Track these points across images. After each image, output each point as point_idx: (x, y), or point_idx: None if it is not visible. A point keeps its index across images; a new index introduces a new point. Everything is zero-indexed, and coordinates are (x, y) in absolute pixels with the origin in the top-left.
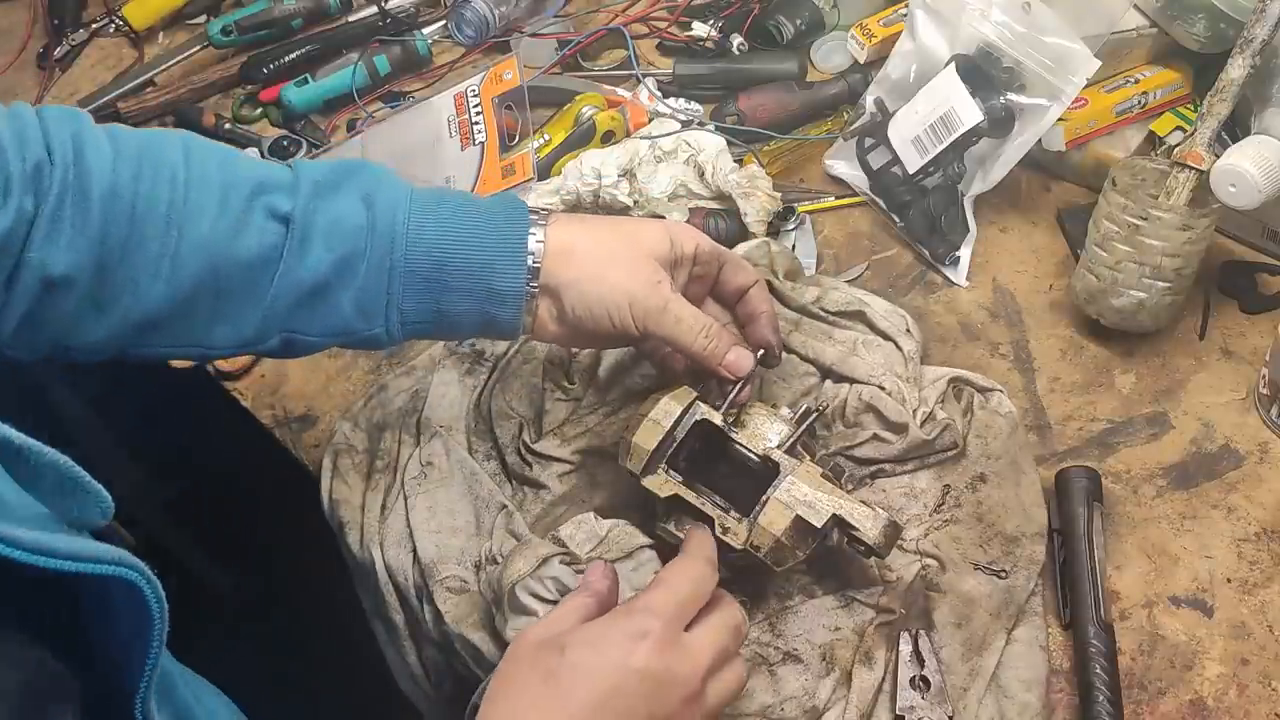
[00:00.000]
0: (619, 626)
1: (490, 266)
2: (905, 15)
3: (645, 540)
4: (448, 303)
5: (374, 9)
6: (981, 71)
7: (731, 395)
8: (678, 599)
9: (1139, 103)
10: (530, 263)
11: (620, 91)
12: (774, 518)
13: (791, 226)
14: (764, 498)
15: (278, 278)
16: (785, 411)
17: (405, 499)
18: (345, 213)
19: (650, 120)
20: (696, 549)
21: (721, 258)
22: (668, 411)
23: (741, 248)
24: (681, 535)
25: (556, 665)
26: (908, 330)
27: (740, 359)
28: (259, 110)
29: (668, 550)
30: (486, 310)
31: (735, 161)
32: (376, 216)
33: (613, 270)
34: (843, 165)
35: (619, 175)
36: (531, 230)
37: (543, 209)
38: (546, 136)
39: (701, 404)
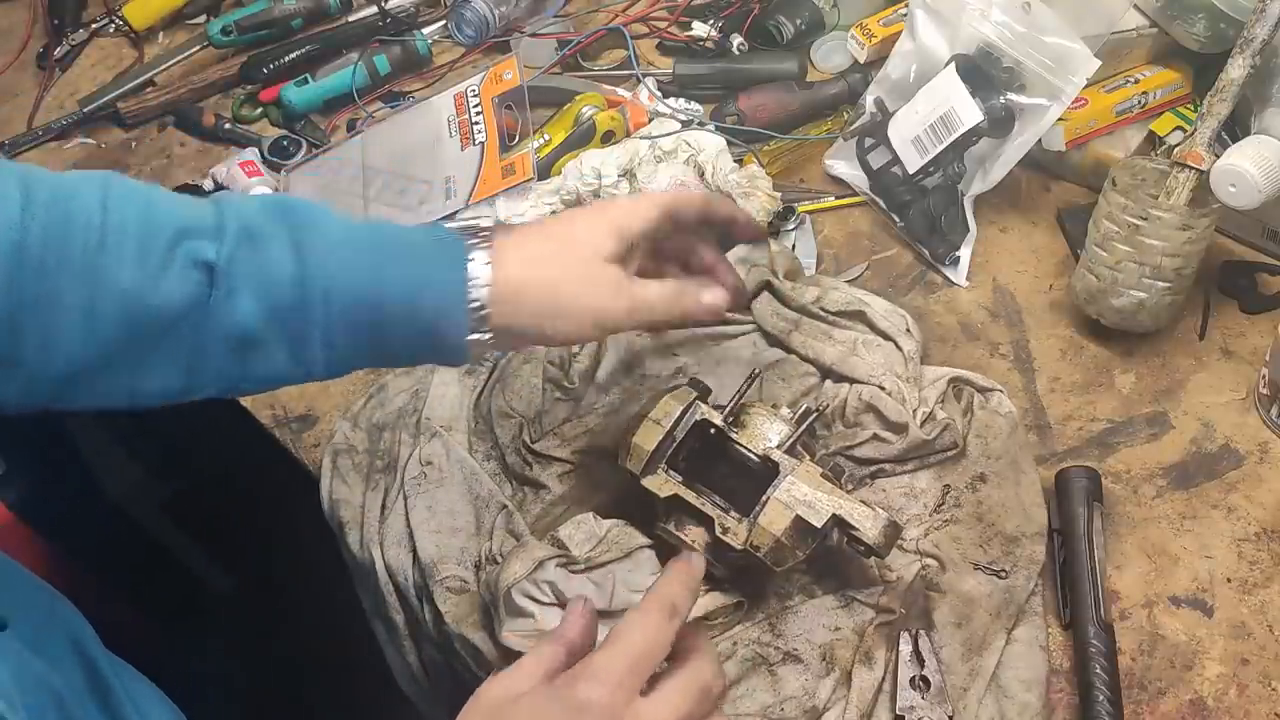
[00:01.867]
0: (560, 698)
1: (433, 317)
2: (905, 15)
3: (644, 540)
4: (390, 350)
5: (374, 9)
6: (981, 71)
7: (735, 398)
8: (629, 660)
9: (1139, 103)
10: (477, 310)
11: (620, 91)
12: (774, 518)
13: (791, 226)
14: (764, 498)
15: (205, 329)
16: (785, 411)
17: (405, 499)
18: (274, 260)
19: (650, 120)
20: (660, 592)
21: (669, 209)
22: (668, 411)
23: (741, 248)
24: (682, 535)
25: None
26: (908, 330)
27: (714, 299)
28: (259, 110)
29: (668, 550)
30: (434, 354)
31: (735, 161)
32: (307, 266)
33: (568, 296)
34: (843, 165)
35: (619, 175)
36: (472, 277)
37: (483, 232)
38: (546, 136)
39: (701, 404)
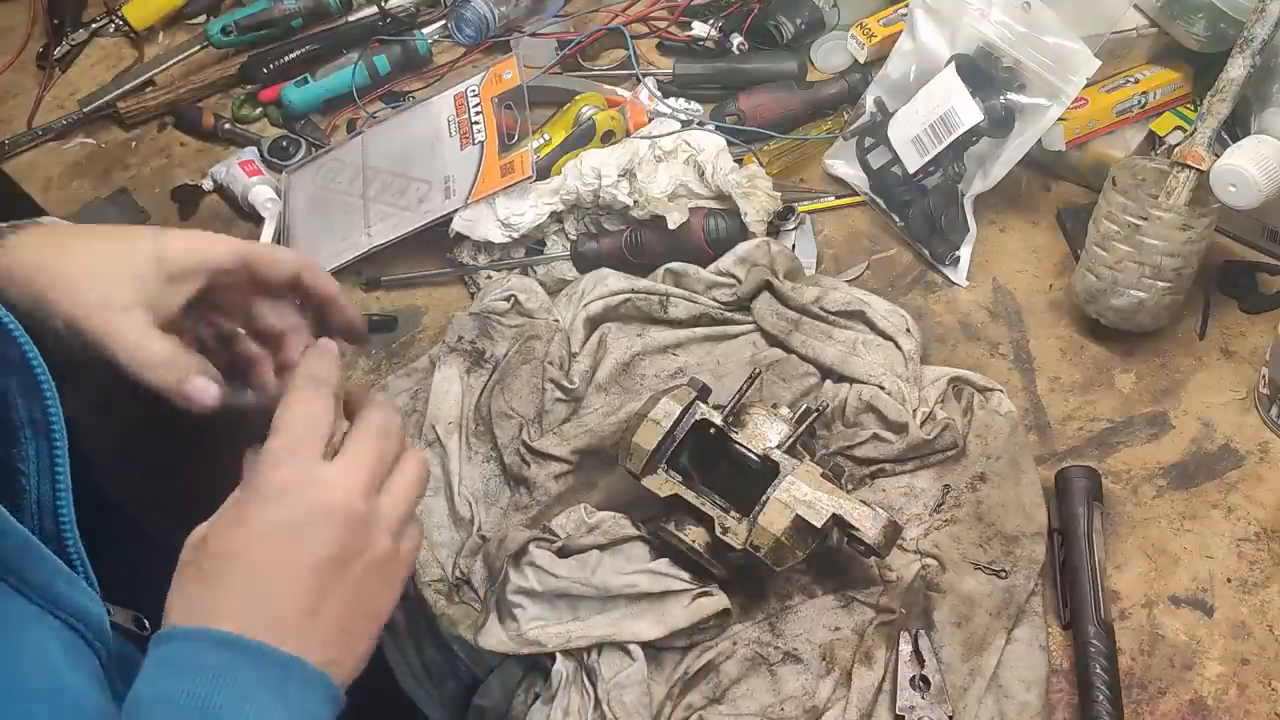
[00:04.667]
0: (253, 506)
1: None
2: (905, 15)
3: (634, 531)
4: None
5: (374, 9)
6: (981, 71)
7: (735, 398)
8: (296, 438)
9: (1139, 103)
10: None
11: (620, 91)
12: (774, 517)
13: (791, 226)
14: (764, 498)
15: None
16: (785, 411)
17: None
18: None
19: (650, 120)
20: (301, 373)
21: (247, 260)
22: (668, 411)
23: (741, 248)
24: (682, 535)
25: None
26: (908, 330)
27: (196, 393)
28: (259, 110)
29: (668, 550)
30: None
31: (735, 161)
32: None
33: (57, 287)
34: (843, 165)
35: (619, 175)
36: None
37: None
38: (546, 136)
39: (701, 404)
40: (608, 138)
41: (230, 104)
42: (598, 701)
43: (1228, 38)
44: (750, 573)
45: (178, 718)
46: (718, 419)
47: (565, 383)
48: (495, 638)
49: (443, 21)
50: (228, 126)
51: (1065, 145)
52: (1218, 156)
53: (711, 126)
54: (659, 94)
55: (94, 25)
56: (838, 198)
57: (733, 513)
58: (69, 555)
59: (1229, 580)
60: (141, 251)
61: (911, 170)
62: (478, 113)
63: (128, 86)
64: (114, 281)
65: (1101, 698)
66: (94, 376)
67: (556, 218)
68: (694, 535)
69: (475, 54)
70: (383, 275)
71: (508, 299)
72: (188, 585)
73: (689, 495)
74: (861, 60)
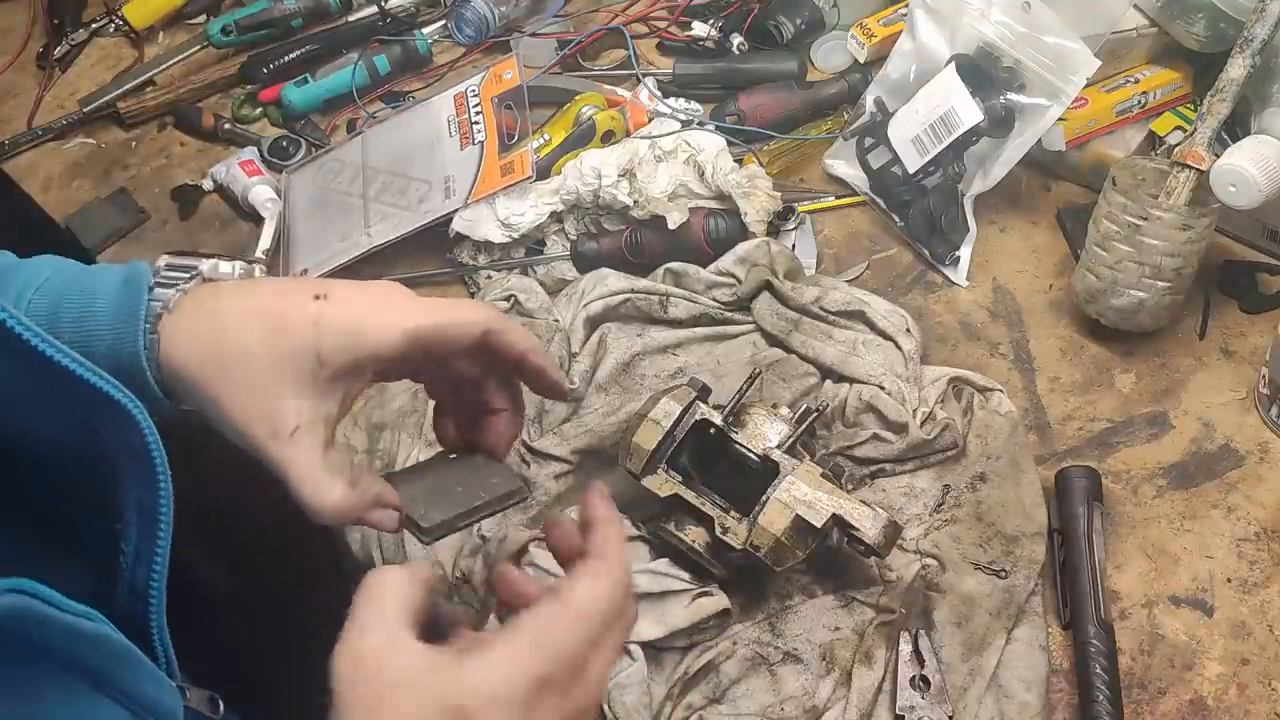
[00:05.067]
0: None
1: (101, 349)
2: (905, 15)
3: (635, 531)
4: None
5: (374, 9)
6: (981, 71)
7: (735, 398)
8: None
9: (1139, 102)
10: (143, 351)
11: (620, 91)
12: (774, 517)
13: (791, 226)
14: (764, 497)
15: None
16: (785, 411)
17: None
18: None
19: (650, 120)
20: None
21: (420, 341)
22: (668, 411)
23: (741, 248)
24: (682, 535)
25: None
26: (908, 330)
27: (379, 519)
28: (259, 110)
29: (667, 549)
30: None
31: (735, 161)
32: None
33: (231, 387)
34: (843, 165)
35: (619, 175)
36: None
37: (170, 295)
38: (546, 136)
39: (701, 404)
40: (608, 138)
41: (230, 104)
42: None
43: (1228, 38)
44: (750, 573)
45: None
46: (718, 419)
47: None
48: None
49: (443, 21)
50: (228, 126)
51: (1065, 145)
52: (1218, 156)
53: (711, 126)
54: (659, 94)
55: (94, 25)
56: (838, 198)
57: (733, 513)
58: (152, 643)
59: (1229, 580)
60: (300, 346)
61: (911, 170)
62: (478, 113)
63: (128, 86)
64: (276, 396)
65: (1101, 698)
66: (212, 458)
67: (556, 218)
68: (694, 535)
69: (475, 54)
70: (383, 275)
71: (508, 299)
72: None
73: (689, 495)
74: (861, 60)
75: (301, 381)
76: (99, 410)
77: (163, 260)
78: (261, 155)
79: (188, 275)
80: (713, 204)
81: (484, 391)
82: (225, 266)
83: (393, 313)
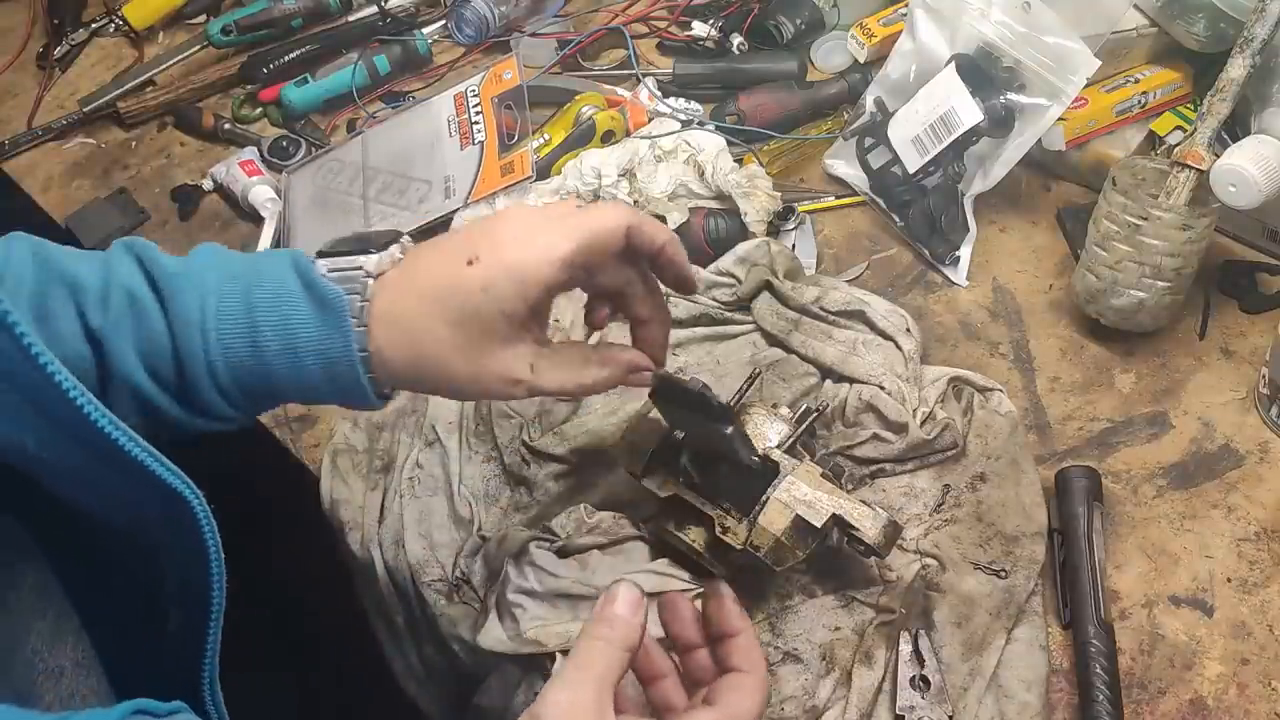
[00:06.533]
0: None
1: (317, 380)
2: (905, 15)
3: (634, 531)
4: (284, 399)
5: (374, 9)
6: (981, 71)
7: (735, 398)
8: None
9: (1139, 102)
10: (364, 377)
11: (620, 91)
12: (774, 517)
13: (791, 226)
14: (764, 497)
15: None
16: (785, 411)
17: (400, 500)
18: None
19: (650, 120)
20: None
21: (578, 260)
22: None
23: (741, 247)
24: (682, 535)
25: None
26: (908, 330)
27: (640, 368)
28: (259, 110)
29: (667, 550)
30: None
31: (735, 161)
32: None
33: (450, 374)
34: (843, 165)
35: (619, 175)
36: (360, 351)
37: (368, 282)
38: (546, 136)
39: None
40: (608, 138)
41: (230, 104)
42: None
43: (1228, 38)
44: (750, 573)
45: None
46: None
47: None
48: (495, 637)
49: (443, 21)
50: (228, 126)
51: (1065, 145)
52: (1218, 156)
53: (711, 126)
54: (659, 94)
55: (94, 25)
56: (838, 198)
57: (733, 513)
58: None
59: (1229, 580)
60: (483, 314)
61: (911, 170)
62: (478, 113)
63: (128, 86)
64: (493, 359)
65: (1101, 698)
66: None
67: None
68: (694, 535)
69: (475, 54)
70: None
71: None
72: None
73: (689, 495)
74: (861, 60)
75: (501, 336)
76: (164, 500)
77: (322, 265)
78: (261, 155)
79: (359, 283)
80: (713, 204)
81: (631, 304)
82: (372, 260)
83: (543, 248)
